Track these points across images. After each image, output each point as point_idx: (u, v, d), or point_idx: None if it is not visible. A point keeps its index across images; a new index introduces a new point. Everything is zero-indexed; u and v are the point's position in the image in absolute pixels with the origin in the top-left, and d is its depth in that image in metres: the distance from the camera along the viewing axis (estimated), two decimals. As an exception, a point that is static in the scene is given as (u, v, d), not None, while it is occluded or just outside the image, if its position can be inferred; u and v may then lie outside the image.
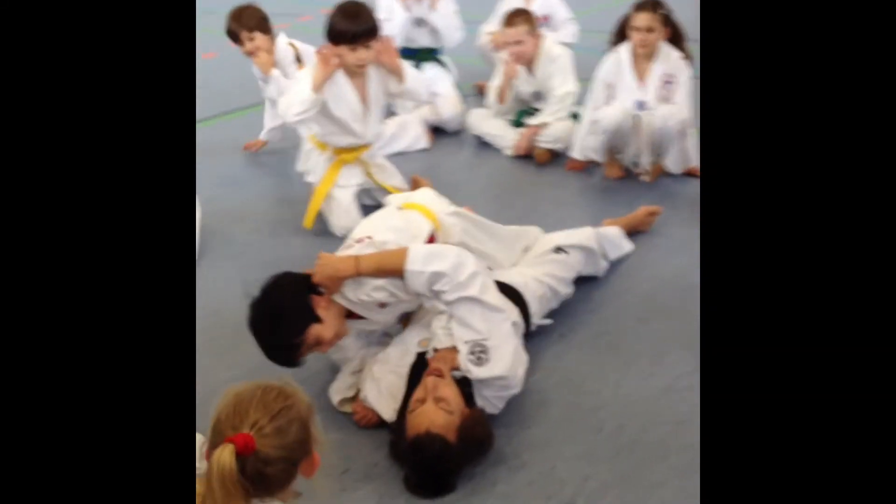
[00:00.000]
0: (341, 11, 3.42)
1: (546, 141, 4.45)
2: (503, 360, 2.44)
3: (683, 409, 2.59)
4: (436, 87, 4.90)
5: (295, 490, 1.64)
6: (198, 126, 5.03)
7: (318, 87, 3.39)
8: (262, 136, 4.66)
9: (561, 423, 2.55)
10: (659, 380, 2.73)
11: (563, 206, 4.00)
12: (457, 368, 2.44)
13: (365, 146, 3.71)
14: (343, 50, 3.38)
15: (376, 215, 2.89)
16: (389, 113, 4.57)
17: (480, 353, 2.43)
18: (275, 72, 4.23)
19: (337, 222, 3.70)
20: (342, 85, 3.51)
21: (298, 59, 4.26)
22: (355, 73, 3.49)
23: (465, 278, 2.39)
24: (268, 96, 4.43)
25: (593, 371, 2.79)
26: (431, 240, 2.76)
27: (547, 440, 2.48)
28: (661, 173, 4.15)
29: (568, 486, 2.31)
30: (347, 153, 3.69)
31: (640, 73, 3.97)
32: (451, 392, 2.38)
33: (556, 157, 4.46)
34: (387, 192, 3.65)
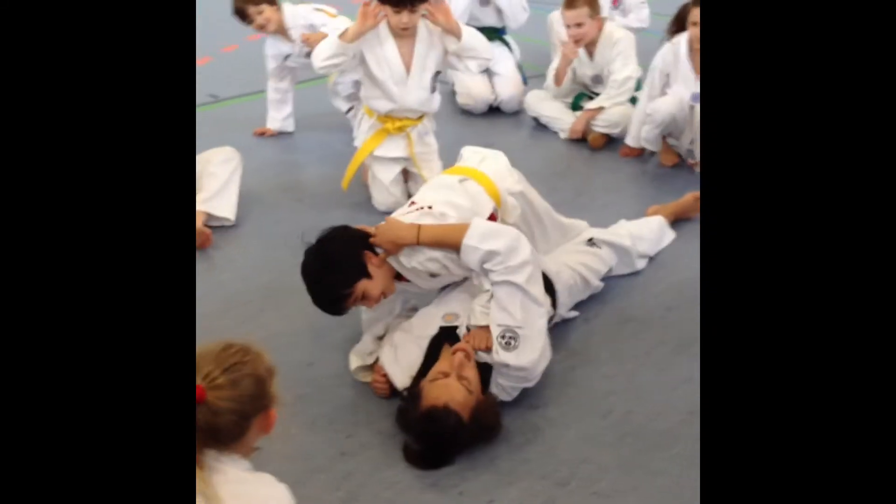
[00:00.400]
0: None
1: (602, 125, 4.39)
2: (531, 353, 2.43)
3: (697, 400, 2.54)
4: (497, 66, 4.90)
5: (254, 446, 1.67)
6: (246, 100, 5.17)
7: (351, 38, 3.40)
8: (272, 125, 4.66)
9: (570, 405, 2.54)
10: (678, 370, 2.69)
11: (613, 191, 3.96)
12: (484, 349, 2.45)
13: (411, 120, 3.66)
14: (387, 10, 3.38)
15: (440, 182, 2.82)
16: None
17: (511, 338, 2.43)
18: (294, 36, 4.28)
19: (378, 198, 3.74)
20: (386, 45, 3.49)
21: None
22: (401, 34, 3.47)
23: (516, 263, 2.40)
24: (272, 86, 4.53)
25: (612, 357, 2.76)
26: (492, 217, 2.74)
27: (552, 421, 2.47)
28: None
29: (565, 466, 2.30)
30: (391, 122, 3.65)
31: (697, 66, 3.87)
32: (473, 374, 2.41)
33: (611, 142, 4.40)
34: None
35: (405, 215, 2.61)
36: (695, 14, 3.75)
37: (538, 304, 2.47)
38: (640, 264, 3.25)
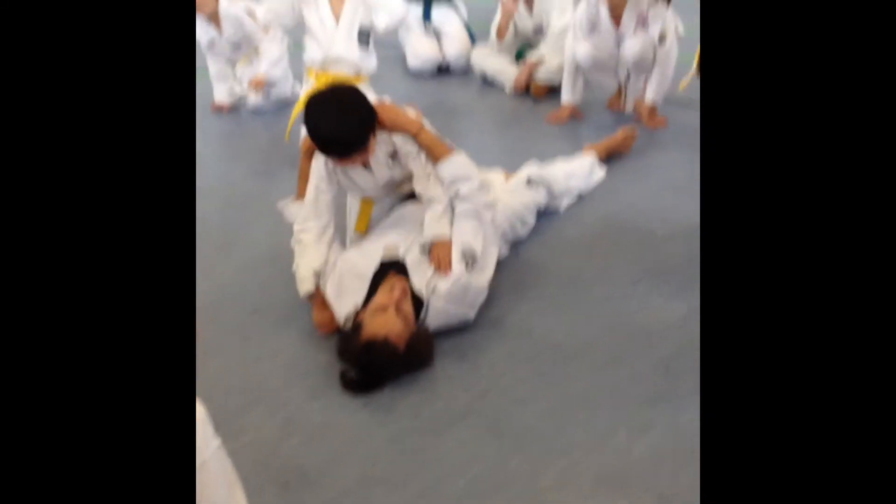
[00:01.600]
0: None
1: (543, 76, 4.54)
2: (485, 278, 2.67)
3: (613, 315, 2.73)
4: (444, 27, 5.06)
5: None
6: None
7: None
8: (221, 98, 4.74)
9: (494, 328, 2.71)
10: (597, 291, 2.88)
11: (552, 135, 4.14)
12: (447, 266, 2.63)
13: (347, 76, 3.91)
14: None
15: None
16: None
17: (472, 260, 2.62)
18: (224, 26, 4.43)
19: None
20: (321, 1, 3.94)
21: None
22: None
23: (485, 200, 2.68)
24: (210, 62, 4.65)
25: (537, 283, 2.94)
26: None
27: (477, 343, 2.65)
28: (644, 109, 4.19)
29: (485, 380, 2.49)
30: (325, 76, 3.90)
31: (616, 20, 4.00)
32: (410, 307, 2.58)
33: (552, 91, 4.55)
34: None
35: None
36: None
37: (493, 244, 2.73)
38: (566, 203, 3.43)
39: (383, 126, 2.64)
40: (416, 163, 2.77)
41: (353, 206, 3.06)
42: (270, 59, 4.50)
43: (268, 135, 4.43)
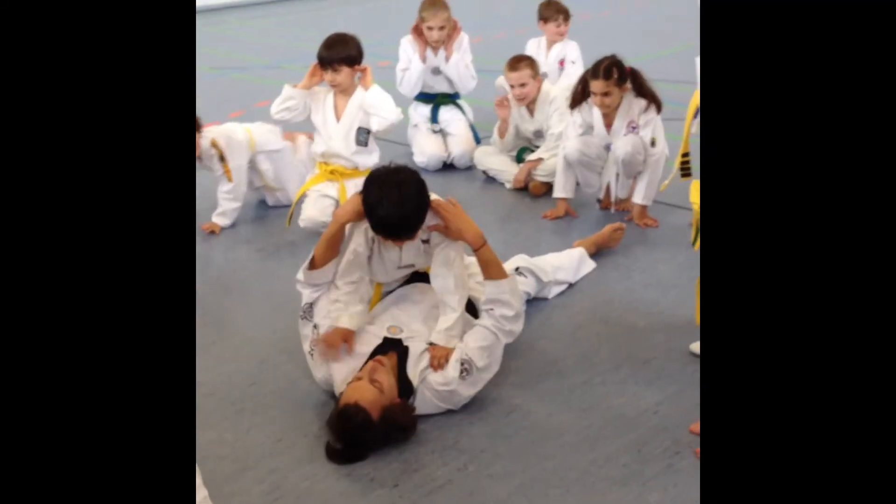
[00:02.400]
0: (325, 41, 4.22)
1: (541, 175, 4.78)
2: (471, 390, 2.81)
3: (590, 399, 2.86)
4: (450, 127, 5.35)
5: None
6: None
7: (301, 86, 4.27)
8: (218, 220, 4.48)
9: (476, 407, 2.84)
10: (578, 377, 3.02)
11: (547, 230, 4.34)
12: (440, 366, 2.77)
13: (346, 169, 4.31)
14: (323, 70, 4.22)
15: None
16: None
17: (467, 371, 2.77)
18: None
19: (305, 213, 4.25)
20: (328, 98, 4.33)
21: (222, 159, 4.34)
22: (338, 91, 4.26)
23: (514, 328, 2.87)
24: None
25: (521, 367, 3.08)
26: None
27: (458, 420, 2.78)
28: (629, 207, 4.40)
29: (465, 455, 2.61)
30: (327, 166, 4.33)
31: (607, 124, 4.26)
32: (386, 378, 2.72)
33: (550, 190, 4.77)
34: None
35: None
36: (593, 86, 4.09)
37: (498, 362, 2.87)
38: (555, 291, 3.59)
39: (448, 232, 2.83)
40: (442, 254, 2.88)
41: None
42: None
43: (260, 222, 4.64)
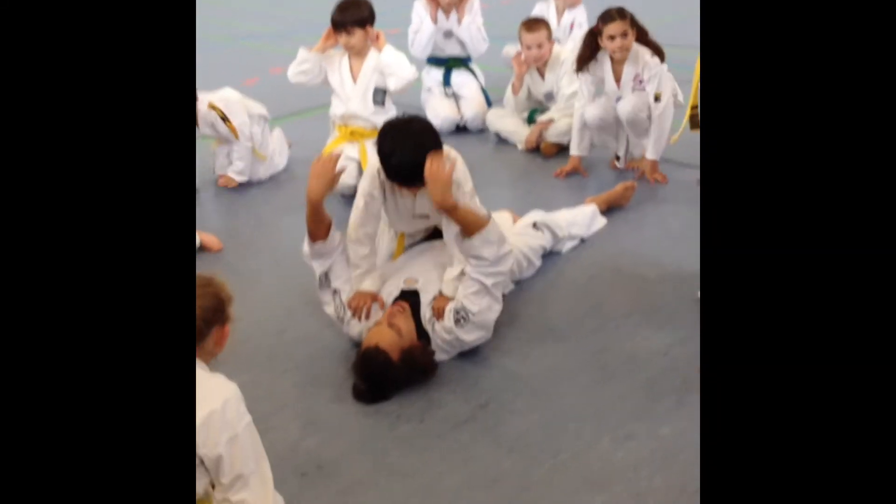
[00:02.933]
0: (338, 4, 4.35)
1: (552, 135, 4.91)
2: (474, 334, 2.93)
3: (602, 341, 3.02)
4: (462, 90, 5.47)
5: (212, 350, 2.10)
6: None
7: (316, 49, 4.40)
8: (235, 176, 4.65)
9: (496, 350, 3.00)
10: (590, 322, 3.17)
11: (559, 188, 4.48)
12: (441, 314, 2.92)
13: (365, 130, 4.42)
14: (336, 33, 4.33)
15: None
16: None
17: (463, 318, 2.90)
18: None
19: None
20: (343, 61, 4.46)
21: (224, 119, 4.43)
22: (352, 54, 4.39)
23: (494, 271, 2.89)
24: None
25: (538, 313, 3.24)
26: None
27: (479, 362, 2.95)
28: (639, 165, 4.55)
29: (485, 394, 2.77)
30: (346, 129, 4.45)
31: (617, 77, 4.37)
32: (404, 322, 2.88)
33: (561, 150, 4.90)
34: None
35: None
36: (611, 28, 4.21)
37: (497, 301, 2.96)
38: (568, 246, 3.73)
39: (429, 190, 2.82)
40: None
41: (382, 234, 3.30)
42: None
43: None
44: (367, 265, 3.04)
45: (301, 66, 4.42)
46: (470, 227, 2.85)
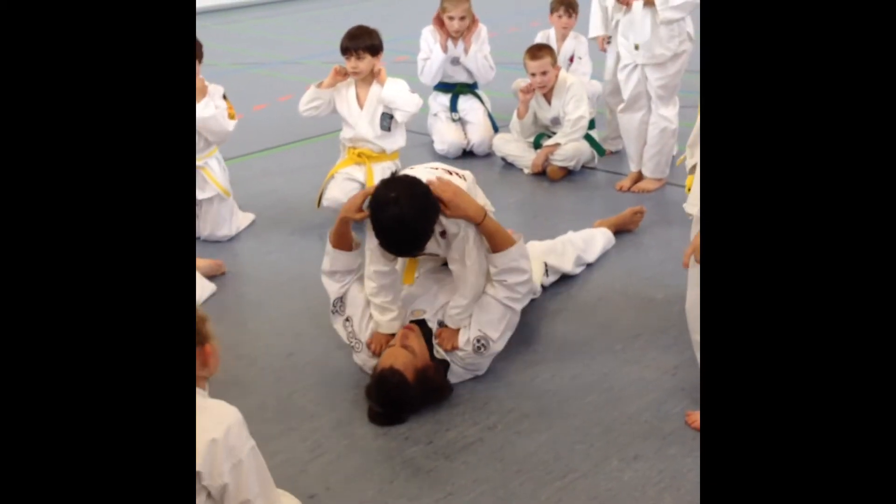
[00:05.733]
0: (348, 32, 4.38)
1: (558, 159, 4.94)
2: (493, 356, 2.97)
3: (611, 363, 3.02)
4: (469, 115, 5.52)
5: (199, 373, 2.04)
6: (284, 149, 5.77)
7: (323, 86, 4.46)
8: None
9: (503, 372, 3.01)
10: (599, 344, 3.18)
11: (565, 212, 4.50)
12: (450, 348, 2.91)
13: (372, 153, 4.46)
14: (346, 57, 4.35)
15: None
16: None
17: (483, 346, 2.91)
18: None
19: (329, 193, 4.37)
20: (350, 88, 4.49)
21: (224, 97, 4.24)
22: (359, 80, 4.43)
23: (524, 292, 2.94)
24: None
25: (544, 336, 3.25)
26: None
27: (487, 383, 2.95)
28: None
29: (494, 415, 2.78)
30: (354, 151, 4.47)
31: None
32: (417, 342, 2.89)
33: (567, 174, 4.94)
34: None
35: (428, 169, 3.03)
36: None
37: (512, 328, 2.98)
38: (577, 271, 3.74)
39: (445, 213, 2.78)
40: (459, 246, 2.91)
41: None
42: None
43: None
44: (381, 300, 2.99)
45: (311, 102, 4.48)
46: (502, 237, 2.89)
